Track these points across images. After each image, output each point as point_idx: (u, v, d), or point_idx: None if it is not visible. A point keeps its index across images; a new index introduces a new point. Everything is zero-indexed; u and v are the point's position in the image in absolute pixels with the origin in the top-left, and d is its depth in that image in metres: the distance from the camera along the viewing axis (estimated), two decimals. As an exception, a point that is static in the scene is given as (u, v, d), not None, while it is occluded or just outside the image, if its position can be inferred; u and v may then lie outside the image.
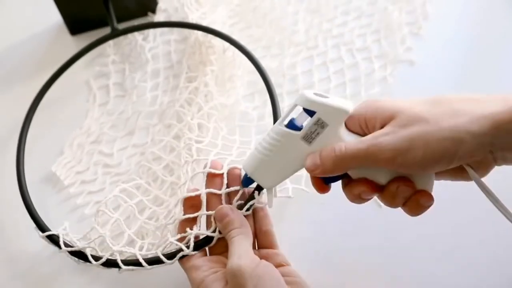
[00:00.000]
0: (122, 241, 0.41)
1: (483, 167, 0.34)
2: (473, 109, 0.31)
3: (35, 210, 0.44)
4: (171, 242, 0.39)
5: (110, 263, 0.39)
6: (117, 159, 0.52)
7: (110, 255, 0.39)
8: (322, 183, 0.37)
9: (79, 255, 0.40)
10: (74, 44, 0.62)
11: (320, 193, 0.38)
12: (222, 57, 0.55)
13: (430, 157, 0.32)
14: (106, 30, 0.56)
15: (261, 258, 0.37)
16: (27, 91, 0.53)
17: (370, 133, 0.35)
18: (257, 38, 0.60)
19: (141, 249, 0.41)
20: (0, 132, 0.54)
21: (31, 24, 0.66)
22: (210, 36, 0.54)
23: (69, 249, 0.40)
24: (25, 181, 0.46)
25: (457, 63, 0.56)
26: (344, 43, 0.59)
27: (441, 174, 0.36)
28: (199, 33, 0.55)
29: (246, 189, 0.40)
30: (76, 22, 0.62)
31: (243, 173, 0.40)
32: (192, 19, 0.55)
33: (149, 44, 0.60)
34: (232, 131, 0.51)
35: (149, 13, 0.63)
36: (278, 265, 0.38)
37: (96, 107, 0.57)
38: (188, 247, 0.38)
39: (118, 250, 0.40)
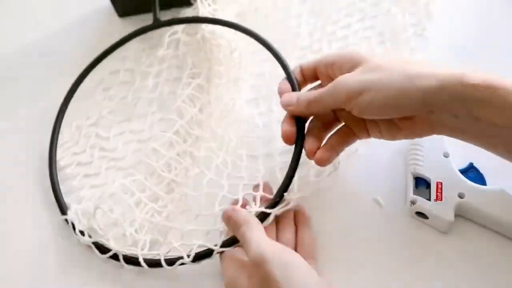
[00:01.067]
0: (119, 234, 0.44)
1: (419, 129, 0.38)
2: (424, 68, 0.35)
3: (61, 194, 0.49)
4: (175, 247, 0.42)
5: (116, 258, 0.43)
6: (114, 144, 0.54)
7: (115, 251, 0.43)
8: (294, 132, 0.42)
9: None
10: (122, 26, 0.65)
11: (288, 143, 0.42)
12: (229, 58, 0.55)
13: (376, 103, 0.36)
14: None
15: None
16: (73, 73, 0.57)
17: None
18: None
19: (143, 248, 0.43)
20: (48, 111, 0.56)
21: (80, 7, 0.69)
22: (217, 34, 0.55)
23: (82, 239, 0.44)
24: (55, 167, 0.51)
25: (462, 63, 0.55)
26: (348, 46, 0.59)
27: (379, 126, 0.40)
28: (206, 30, 0.55)
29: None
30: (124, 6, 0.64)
31: None
32: (203, 13, 0.56)
33: (172, 29, 0.60)
34: (239, 142, 0.51)
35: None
36: None
37: (100, 91, 0.58)
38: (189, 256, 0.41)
39: (121, 250, 0.43)
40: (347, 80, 0.38)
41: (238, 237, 0.38)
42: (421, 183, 0.44)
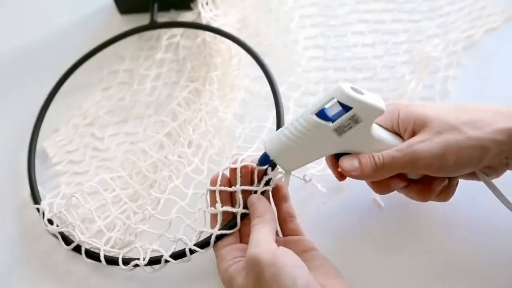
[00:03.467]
0: (93, 229, 0.46)
1: (497, 171, 0.39)
2: (496, 120, 0.37)
3: (36, 184, 0.50)
4: (136, 247, 0.43)
5: (79, 251, 0.44)
6: (107, 145, 0.54)
7: (79, 242, 0.44)
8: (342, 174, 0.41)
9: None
10: (122, 23, 0.64)
11: (340, 180, 0.42)
12: (227, 64, 0.54)
13: (460, 163, 0.37)
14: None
15: (287, 245, 0.38)
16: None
17: (399, 132, 0.40)
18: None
19: (107, 242, 0.44)
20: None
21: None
22: (218, 38, 0.54)
23: (49, 228, 0.46)
24: (34, 157, 0.52)
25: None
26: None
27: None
28: (207, 34, 0.55)
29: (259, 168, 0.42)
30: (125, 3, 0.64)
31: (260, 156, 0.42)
32: (204, 17, 0.56)
33: (170, 32, 0.60)
34: (221, 151, 0.50)
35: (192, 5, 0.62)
36: (303, 251, 0.40)
37: (99, 90, 0.58)
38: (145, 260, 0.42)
39: (85, 241, 0.44)
40: (425, 146, 0.37)
41: (250, 225, 0.39)
42: None
